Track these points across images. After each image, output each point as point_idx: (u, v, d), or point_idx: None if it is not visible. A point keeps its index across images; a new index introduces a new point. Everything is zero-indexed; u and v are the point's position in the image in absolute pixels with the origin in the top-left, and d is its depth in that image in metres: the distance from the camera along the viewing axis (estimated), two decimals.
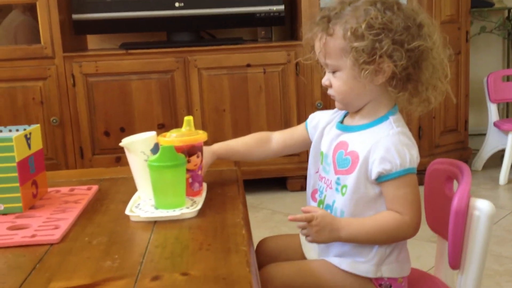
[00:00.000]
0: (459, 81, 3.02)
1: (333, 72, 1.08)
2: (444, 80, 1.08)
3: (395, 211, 1.04)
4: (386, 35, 1.02)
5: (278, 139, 1.25)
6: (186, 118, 1.12)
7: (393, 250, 1.09)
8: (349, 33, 1.03)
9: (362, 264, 1.08)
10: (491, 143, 3.14)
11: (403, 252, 1.12)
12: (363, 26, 1.02)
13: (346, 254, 1.09)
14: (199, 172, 1.11)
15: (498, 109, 3.19)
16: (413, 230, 1.06)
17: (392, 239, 1.07)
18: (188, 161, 1.08)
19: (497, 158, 3.22)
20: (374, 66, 1.03)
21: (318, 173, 1.17)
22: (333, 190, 1.10)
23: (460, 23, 2.96)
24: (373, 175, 1.04)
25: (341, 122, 1.15)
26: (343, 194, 1.08)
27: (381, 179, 1.04)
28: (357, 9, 1.05)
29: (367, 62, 1.02)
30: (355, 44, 1.02)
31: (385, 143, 1.04)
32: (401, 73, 1.03)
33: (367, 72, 1.03)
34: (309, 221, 1.03)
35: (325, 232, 1.04)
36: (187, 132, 1.11)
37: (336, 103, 1.12)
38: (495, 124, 3.10)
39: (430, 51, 1.05)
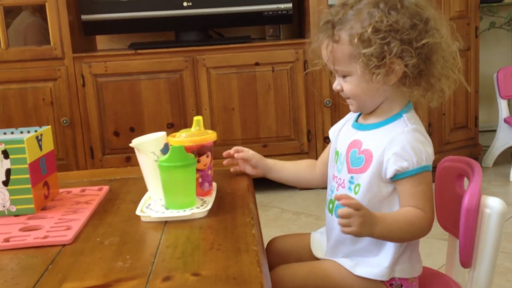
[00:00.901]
0: (468, 77, 3.00)
1: (344, 77, 1.08)
2: (456, 70, 1.07)
3: (414, 208, 1.03)
4: (393, 36, 1.01)
5: (318, 162, 1.26)
6: (196, 118, 1.13)
7: (405, 250, 1.08)
8: (356, 39, 1.01)
9: (376, 267, 1.07)
10: (502, 139, 3.12)
11: (414, 252, 1.11)
12: (369, 30, 1.00)
13: (354, 254, 1.09)
14: (209, 172, 1.12)
15: (509, 105, 3.18)
16: (430, 226, 1.05)
17: (417, 235, 1.06)
18: (198, 161, 1.08)
19: (508, 154, 3.20)
20: (385, 68, 1.02)
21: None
22: (346, 189, 1.10)
23: (469, 18, 2.95)
24: (389, 173, 1.04)
25: (356, 120, 1.15)
26: (356, 193, 1.08)
27: (397, 177, 1.04)
28: (360, 12, 1.03)
29: (378, 66, 1.01)
30: (364, 50, 1.01)
31: (400, 141, 1.04)
32: (413, 71, 1.03)
33: (379, 76, 1.02)
34: (357, 209, 0.97)
35: (366, 225, 0.98)
36: (196, 132, 1.11)
37: (350, 106, 1.12)
38: (505, 120, 3.08)
39: (439, 44, 1.04)
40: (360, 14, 1.03)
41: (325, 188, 1.19)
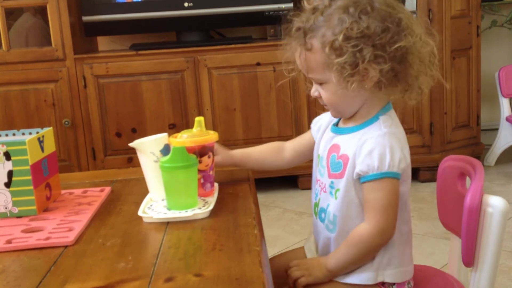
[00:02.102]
0: (470, 76, 3.00)
1: (320, 84, 1.06)
2: (433, 67, 1.05)
3: (360, 225, 1.04)
4: (365, 43, 0.98)
5: (289, 148, 1.24)
6: (197, 118, 1.13)
7: (395, 254, 1.07)
8: (327, 48, 1.00)
9: (362, 272, 1.07)
10: (504, 138, 3.12)
11: (406, 255, 1.09)
12: (340, 38, 0.98)
13: None
14: (211, 173, 1.12)
15: (511, 104, 3.17)
16: (384, 236, 1.03)
17: (370, 251, 1.05)
18: (200, 162, 1.08)
19: (510, 153, 3.19)
20: (360, 75, 1.00)
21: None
22: (327, 194, 1.09)
23: (471, 17, 2.94)
24: (354, 176, 1.03)
25: (336, 124, 1.13)
26: (336, 198, 1.07)
27: (361, 181, 1.03)
28: (331, 18, 1.00)
29: (352, 74, 1.00)
30: (336, 60, 0.99)
31: (369, 144, 1.02)
32: (388, 74, 1.01)
33: (353, 84, 1.00)
34: (292, 266, 1.08)
35: (314, 268, 1.07)
36: (198, 133, 1.11)
37: (330, 112, 1.11)
38: (507, 119, 3.08)
39: (413, 45, 1.01)
40: (330, 21, 1.01)
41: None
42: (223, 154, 1.21)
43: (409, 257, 1.11)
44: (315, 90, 1.08)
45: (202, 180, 1.10)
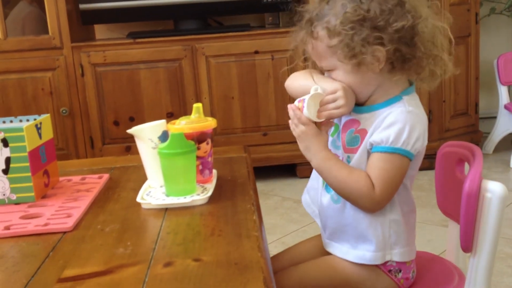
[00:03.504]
0: (469, 64, 2.99)
1: (330, 71, 1.08)
2: (444, 50, 1.05)
3: (370, 179, 1.02)
4: (362, 25, 1.00)
5: None
6: (195, 105, 1.13)
7: (401, 234, 1.08)
8: (328, 33, 1.02)
9: (368, 252, 1.07)
10: (502, 126, 3.12)
11: (411, 235, 1.10)
12: (337, 22, 1.01)
13: (347, 241, 1.09)
14: (209, 159, 1.11)
15: (509, 91, 3.17)
16: (374, 206, 1.03)
17: (349, 198, 1.04)
18: (198, 148, 1.08)
19: (508, 141, 3.20)
20: (367, 57, 1.01)
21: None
22: None
23: (470, 4, 2.93)
24: (368, 146, 1.03)
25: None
26: None
27: (372, 150, 1.03)
28: (335, 5, 1.03)
29: (354, 55, 1.01)
30: (333, 41, 1.02)
31: (391, 118, 1.02)
32: (396, 56, 1.01)
33: (360, 65, 1.02)
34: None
35: (307, 140, 1.07)
36: (196, 119, 1.11)
37: None
38: (505, 107, 3.07)
39: (417, 25, 1.01)
40: (334, 8, 1.03)
41: None
42: None
43: (413, 236, 1.12)
44: None
45: (200, 167, 1.10)
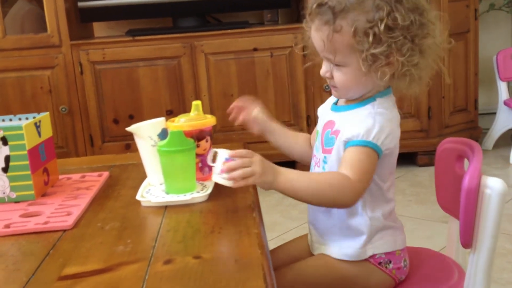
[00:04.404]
0: (468, 60, 2.99)
1: (337, 66, 1.04)
2: (439, 60, 1.05)
3: (345, 172, 1.00)
4: (403, 35, 0.97)
5: (307, 136, 1.24)
6: (194, 102, 1.13)
7: (383, 229, 1.08)
8: (362, 34, 0.97)
9: (349, 249, 1.07)
10: (501, 122, 3.12)
11: (394, 225, 1.10)
12: (381, 28, 0.96)
13: (335, 240, 1.09)
14: None
15: (508, 87, 3.17)
16: (355, 195, 0.99)
17: (332, 197, 0.99)
18: (197, 146, 1.08)
19: (508, 137, 3.20)
20: (386, 65, 0.99)
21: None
22: (320, 169, 1.10)
23: (469, 0, 2.93)
24: (342, 145, 1.03)
25: (336, 103, 1.13)
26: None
27: (345, 146, 1.02)
28: (364, 1, 0.98)
29: (381, 64, 0.99)
30: (373, 50, 0.97)
31: (359, 118, 1.02)
32: (409, 64, 1.00)
33: (379, 73, 1.00)
34: (250, 156, 0.94)
35: (269, 172, 0.95)
36: (195, 117, 1.11)
37: (335, 92, 1.09)
38: (505, 103, 3.07)
39: (434, 38, 1.01)
40: (364, 4, 0.98)
41: None
42: (262, 123, 1.21)
43: (399, 226, 1.11)
44: (327, 71, 1.06)
45: (200, 164, 1.10)
